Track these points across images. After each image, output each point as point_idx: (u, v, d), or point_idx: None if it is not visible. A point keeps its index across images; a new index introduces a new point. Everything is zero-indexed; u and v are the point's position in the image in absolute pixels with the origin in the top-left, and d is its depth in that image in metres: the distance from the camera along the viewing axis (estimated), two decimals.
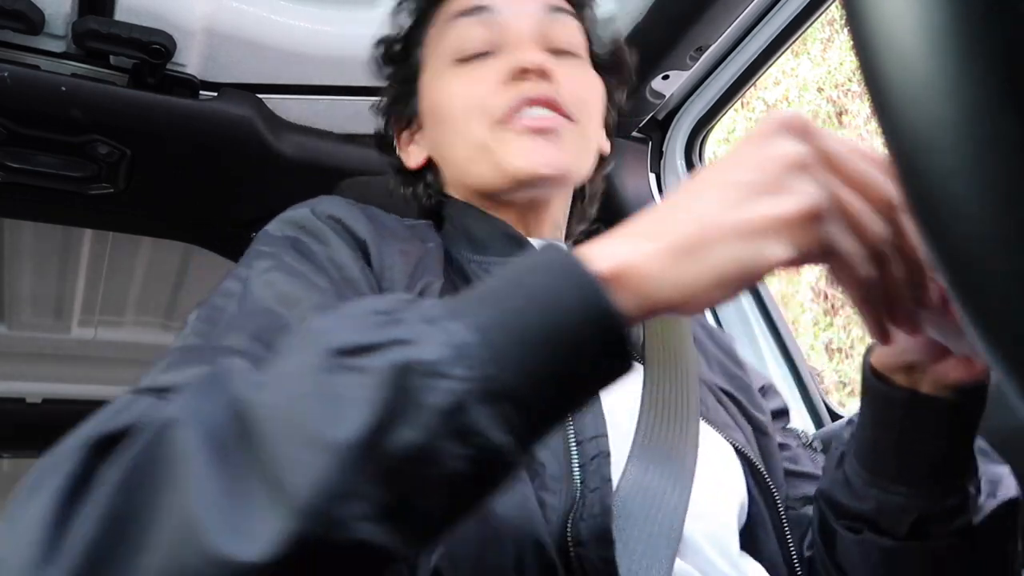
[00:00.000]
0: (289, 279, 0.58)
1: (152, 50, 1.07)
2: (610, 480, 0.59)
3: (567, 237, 0.87)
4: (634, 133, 1.36)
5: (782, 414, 0.86)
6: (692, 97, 1.34)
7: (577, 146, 0.76)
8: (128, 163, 1.20)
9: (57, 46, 1.08)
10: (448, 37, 0.80)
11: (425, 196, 0.85)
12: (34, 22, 1.01)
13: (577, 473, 0.59)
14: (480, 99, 0.75)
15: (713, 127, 1.39)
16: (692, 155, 1.39)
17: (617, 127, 1.32)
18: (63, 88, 1.09)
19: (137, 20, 1.05)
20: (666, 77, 1.20)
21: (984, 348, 0.25)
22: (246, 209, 1.30)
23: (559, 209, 0.83)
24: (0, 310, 1.91)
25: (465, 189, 0.80)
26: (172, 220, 1.38)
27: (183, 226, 1.40)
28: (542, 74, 0.74)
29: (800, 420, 1.21)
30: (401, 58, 0.87)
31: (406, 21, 0.87)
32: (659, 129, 1.40)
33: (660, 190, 1.39)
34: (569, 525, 0.55)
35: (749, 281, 0.41)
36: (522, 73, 0.74)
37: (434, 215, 0.84)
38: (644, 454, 0.62)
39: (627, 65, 0.92)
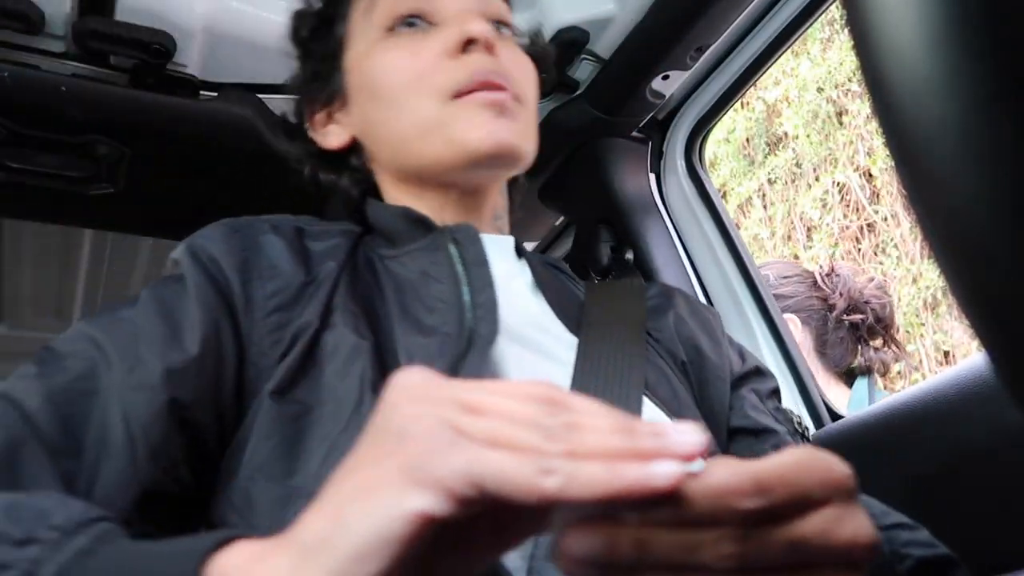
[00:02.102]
0: (111, 334, 0.60)
1: (152, 50, 1.07)
2: None
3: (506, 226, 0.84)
4: (634, 133, 1.36)
5: (773, 394, 0.82)
6: (692, 97, 1.34)
7: (527, 127, 0.74)
8: (128, 163, 1.20)
9: (57, 46, 1.08)
10: (379, 6, 0.76)
11: (351, 183, 0.81)
12: (34, 22, 1.01)
13: None
14: (425, 72, 0.70)
15: (713, 127, 1.39)
16: (692, 155, 1.39)
17: (617, 127, 1.33)
18: (63, 88, 1.09)
19: (137, 20, 1.05)
20: (666, 77, 1.20)
21: (984, 349, 0.25)
22: (246, 209, 1.30)
23: (499, 196, 0.80)
24: (0, 310, 1.91)
25: (399, 171, 0.76)
26: (172, 220, 1.38)
27: (183, 226, 1.40)
28: (488, 47, 0.70)
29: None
30: (322, 33, 0.83)
31: None
32: (659, 129, 1.40)
33: (660, 190, 1.39)
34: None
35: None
36: (468, 44, 0.70)
37: (357, 216, 0.81)
38: None
39: (548, 56, 0.88)
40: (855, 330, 1.51)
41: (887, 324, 1.54)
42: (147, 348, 0.59)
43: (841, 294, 1.50)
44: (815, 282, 1.53)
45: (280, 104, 1.24)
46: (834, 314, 1.49)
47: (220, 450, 0.61)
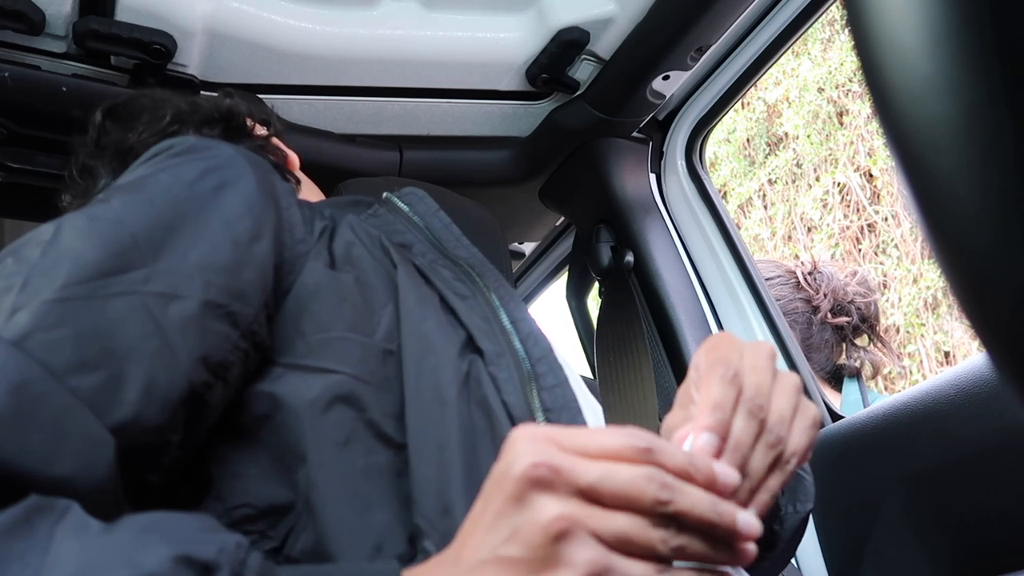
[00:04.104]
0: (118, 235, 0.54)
1: (153, 50, 1.07)
2: (552, 351, 0.65)
3: None
4: (634, 133, 1.36)
5: None
6: (692, 97, 1.34)
7: None
8: None
9: (58, 46, 1.08)
10: None
11: None
12: (35, 22, 1.01)
13: (519, 347, 0.65)
14: None
15: (713, 127, 1.39)
16: (692, 155, 1.39)
17: (617, 127, 1.33)
18: (64, 88, 1.09)
19: (138, 20, 1.05)
20: (666, 77, 1.20)
21: (986, 348, 0.25)
22: None
23: None
24: None
25: None
26: None
27: None
28: None
29: None
30: None
31: None
32: (659, 129, 1.40)
33: (660, 190, 1.39)
34: (534, 395, 0.61)
35: None
36: None
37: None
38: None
39: None
40: (840, 331, 1.49)
41: (872, 322, 1.52)
42: (176, 253, 0.55)
43: (825, 295, 1.47)
44: (798, 283, 1.51)
45: (279, 104, 1.24)
46: (819, 316, 1.47)
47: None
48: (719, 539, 0.43)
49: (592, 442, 0.42)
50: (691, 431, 0.49)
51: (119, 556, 0.40)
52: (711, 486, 0.43)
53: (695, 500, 0.42)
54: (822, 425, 1.22)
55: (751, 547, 0.44)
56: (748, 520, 0.43)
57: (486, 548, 0.41)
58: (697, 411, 0.50)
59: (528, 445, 0.42)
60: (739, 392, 0.51)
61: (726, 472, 0.44)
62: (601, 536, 0.40)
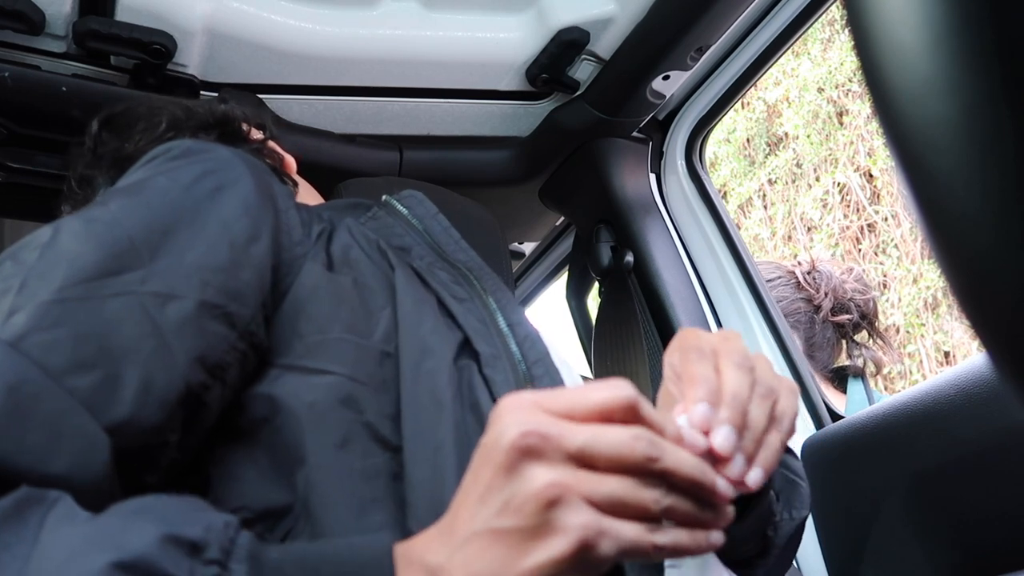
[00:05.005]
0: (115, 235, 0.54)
1: (153, 50, 1.07)
2: (549, 354, 0.66)
3: None
4: (634, 133, 1.36)
5: None
6: (692, 97, 1.34)
7: None
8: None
9: (58, 46, 1.08)
10: None
11: None
12: (34, 22, 1.01)
13: (515, 349, 0.66)
14: None
15: (713, 127, 1.39)
16: (692, 155, 1.39)
17: (617, 127, 1.33)
18: (64, 88, 1.09)
19: (138, 20, 1.05)
20: (666, 77, 1.20)
21: (986, 348, 0.25)
22: None
23: None
24: None
25: None
26: None
27: None
28: None
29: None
30: None
31: None
32: (659, 129, 1.40)
33: (660, 190, 1.39)
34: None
35: None
36: None
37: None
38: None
39: None
40: (841, 328, 1.50)
41: (871, 319, 1.53)
42: (174, 255, 0.55)
43: (826, 294, 1.48)
44: (798, 283, 1.51)
45: (279, 104, 1.25)
46: (821, 315, 1.47)
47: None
48: (704, 500, 0.45)
49: (578, 401, 0.43)
50: (683, 409, 0.50)
51: (106, 539, 0.40)
52: (703, 454, 0.46)
53: (681, 458, 0.44)
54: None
55: (731, 509, 0.46)
56: (724, 484, 0.46)
57: (479, 520, 0.42)
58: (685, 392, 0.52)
59: (515, 415, 0.42)
60: (718, 360, 0.52)
61: (726, 433, 0.47)
62: (593, 500, 0.41)
